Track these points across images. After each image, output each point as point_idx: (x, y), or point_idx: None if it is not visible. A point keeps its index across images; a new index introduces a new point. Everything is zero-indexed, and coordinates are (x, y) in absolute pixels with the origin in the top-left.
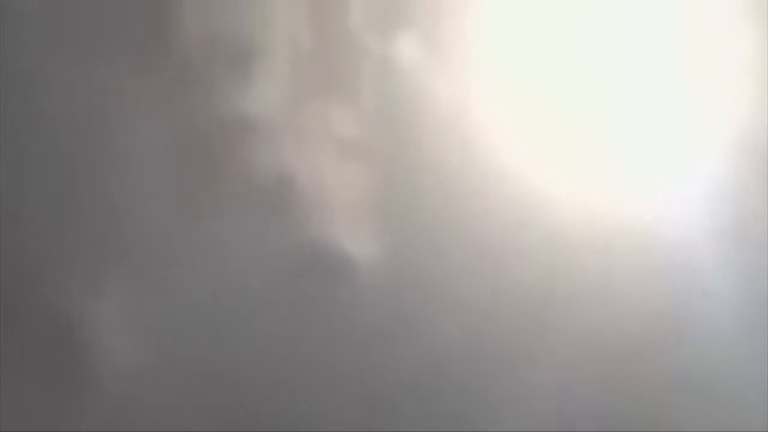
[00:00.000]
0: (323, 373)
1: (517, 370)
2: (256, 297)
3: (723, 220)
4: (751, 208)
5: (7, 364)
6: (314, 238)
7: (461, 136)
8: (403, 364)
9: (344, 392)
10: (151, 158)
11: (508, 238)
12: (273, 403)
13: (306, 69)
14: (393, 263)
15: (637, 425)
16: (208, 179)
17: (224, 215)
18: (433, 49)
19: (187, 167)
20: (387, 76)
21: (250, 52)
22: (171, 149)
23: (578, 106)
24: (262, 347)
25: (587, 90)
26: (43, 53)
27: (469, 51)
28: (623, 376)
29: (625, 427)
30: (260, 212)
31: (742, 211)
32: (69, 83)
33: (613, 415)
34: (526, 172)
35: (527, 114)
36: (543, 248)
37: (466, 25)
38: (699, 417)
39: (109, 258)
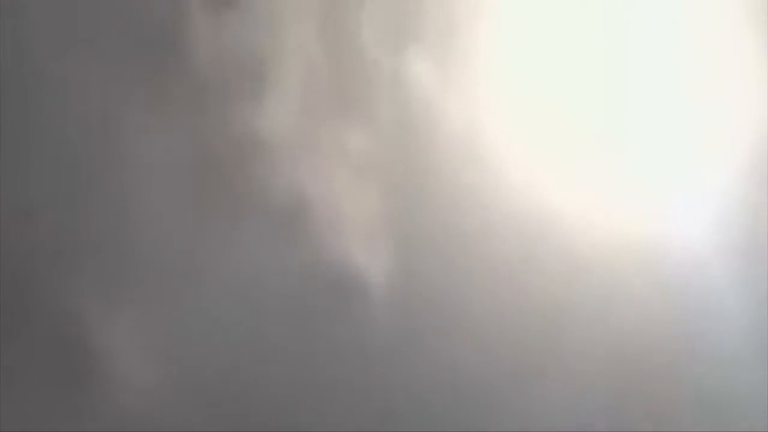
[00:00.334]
0: (336, 390)
1: (528, 385)
2: (269, 313)
3: (734, 236)
4: (762, 224)
5: (19, 372)
6: (327, 255)
7: (473, 153)
8: (415, 380)
9: (357, 408)
10: (166, 176)
11: (520, 255)
12: (285, 419)
13: (319, 88)
14: (406, 280)
15: None
16: (222, 197)
17: (238, 232)
18: (444, 67)
19: (201, 186)
20: (399, 94)
21: (263, 72)
22: (185, 168)
23: (589, 123)
24: (274, 363)
25: (598, 106)
26: (59, 73)
27: (480, 68)
28: (634, 392)
29: None
30: (274, 230)
31: (753, 227)
32: (84, 101)
33: (623, 430)
34: (538, 188)
35: (538, 130)
36: (554, 264)
37: (477, 42)
38: None
39: (123, 273)
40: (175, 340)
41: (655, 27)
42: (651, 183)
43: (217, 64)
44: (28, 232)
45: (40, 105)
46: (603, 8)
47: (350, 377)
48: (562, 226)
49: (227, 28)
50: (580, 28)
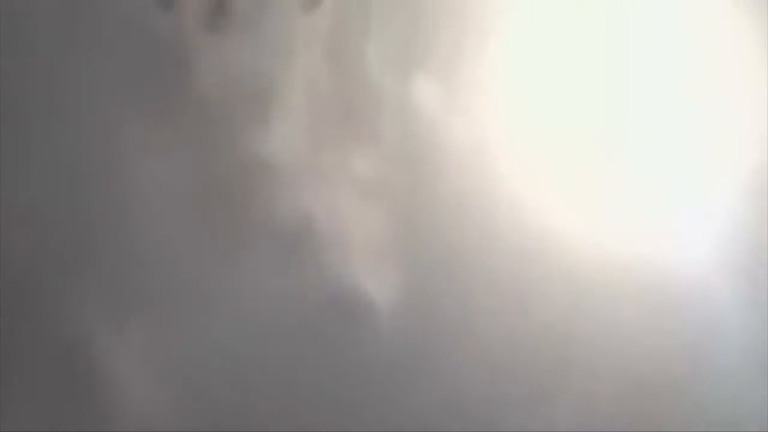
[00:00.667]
0: (344, 412)
1: (534, 406)
2: (275, 336)
3: (737, 255)
4: (765, 243)
5: (26, 398)
6: (334, 278)
7: (479, 176)
8: (421, 402)
9: (364, 431)
10: (172, 201)
11: (527, 277)
12: None
13: (325, 111)
14: (413, 303)
15: None
16: (228, 221)
17: (244, 256)
18: (450, 91)
19: (207, 209)
20: (405, 118)
21: (269, 95)
22: (191, 191)
23: (594, 145)
24: (282, 388)
25: (603, 129)
26: (65, 97)
27: (486, 92)
28: (640, 414)
29: None
30: (280, 253)
31: (757, 246)
32: (90, 126)
33: None
34: (544, 209)
35: (544, 153)
36: (561, 284)
37: (483, 66)
38: None
39: (130, 297)
40: (181, 363)
41: (662, 49)
42: (656, 202)
43: (223, 88)
44: (35, 269)
45: (46, 137)
46: (608, 35)
47: (357, 399)
48: (568, 247)
49: (233, 52)
50: (585, 54)
